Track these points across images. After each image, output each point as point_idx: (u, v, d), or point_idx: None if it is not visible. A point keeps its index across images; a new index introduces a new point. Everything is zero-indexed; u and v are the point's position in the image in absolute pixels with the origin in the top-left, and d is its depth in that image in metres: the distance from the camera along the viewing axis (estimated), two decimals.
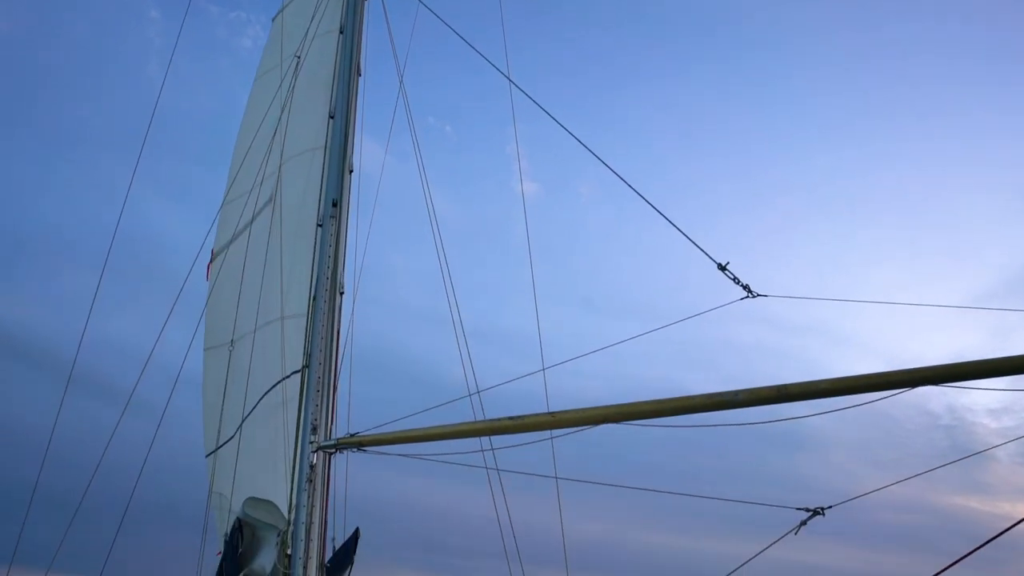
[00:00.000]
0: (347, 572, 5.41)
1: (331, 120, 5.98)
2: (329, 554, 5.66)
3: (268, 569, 4.49)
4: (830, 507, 3.93)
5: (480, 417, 4.66)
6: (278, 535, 4.58)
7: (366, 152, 6.53)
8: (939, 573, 2.96)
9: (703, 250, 4.86)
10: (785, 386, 3.93)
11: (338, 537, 5.78)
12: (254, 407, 6.21)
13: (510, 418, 4.16)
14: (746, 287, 4.53)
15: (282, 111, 6.78)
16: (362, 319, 6.17)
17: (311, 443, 4.56)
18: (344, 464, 4.85)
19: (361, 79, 6.24)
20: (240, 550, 4.76)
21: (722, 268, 4.60)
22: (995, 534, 2.88)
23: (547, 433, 4.31)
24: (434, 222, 6.15)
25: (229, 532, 4.92)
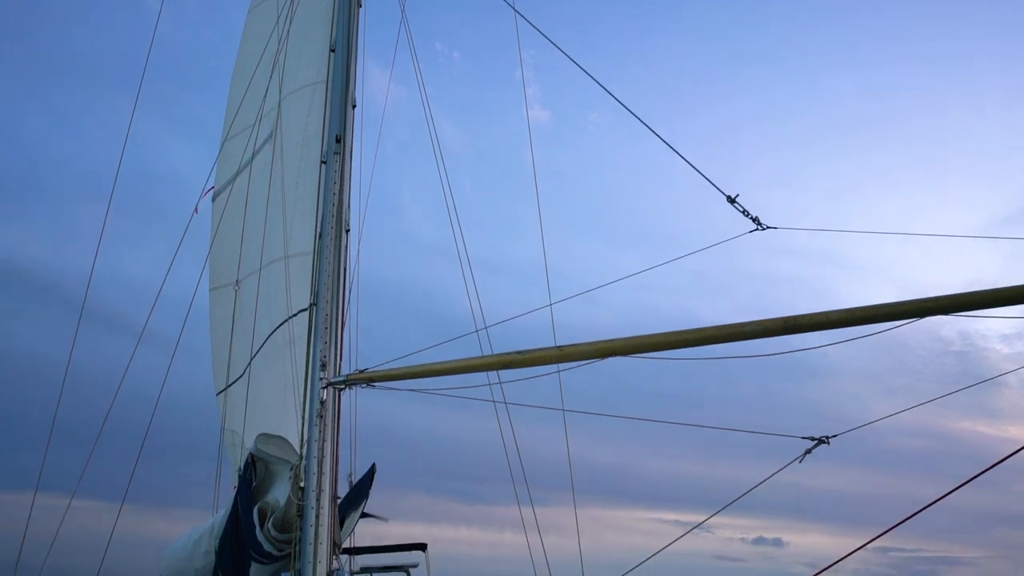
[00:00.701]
0: (362, 505, 5.56)
1: (332, 54, 5.82)
2: (347, 489, 5.81)
3: (282, 502, 4.58)
4: (835, 436, 3.97)
5: (488, 352, 4.69)
6: (291, 469, 4.66)
7: (369, 82, 6.38)
8: (945, 496, 3.00)
9: (712, 183, 4.78)
10: (793, 318, 3.92)
11: (356, 472, 5.92)
12: (262, 345, 6.26)
13: (518, 352, 4.18)
14: (756, 219, 4.47)
15: (280, 44, 6.60)
16: (369, 255, 6.15)
17: (321, 380, 4.60)
18: (355, 399, 4.91)
19: (362, 9, 6.04)
20: (254, 484, 4.85)
21: (731, 201, 4.53)
22: (1000, 458, 2.90)
23: (555, 367, 4.33)
24: (437, 151, 6.05)
25: (242, 467, 5.02)
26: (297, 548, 4.20)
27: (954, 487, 2.93)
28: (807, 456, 3.93)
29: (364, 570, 6.82)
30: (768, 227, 4.47)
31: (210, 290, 8.08)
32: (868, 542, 3.43)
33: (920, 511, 3.01)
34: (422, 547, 8.40)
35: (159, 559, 5.93)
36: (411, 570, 8.42)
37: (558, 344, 4.16)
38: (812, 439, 3.94)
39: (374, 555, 8.22)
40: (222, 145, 7.79)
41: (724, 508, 4.18)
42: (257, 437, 4.80)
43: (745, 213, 4.46)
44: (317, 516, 4.21)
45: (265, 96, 6.71)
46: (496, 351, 4.49)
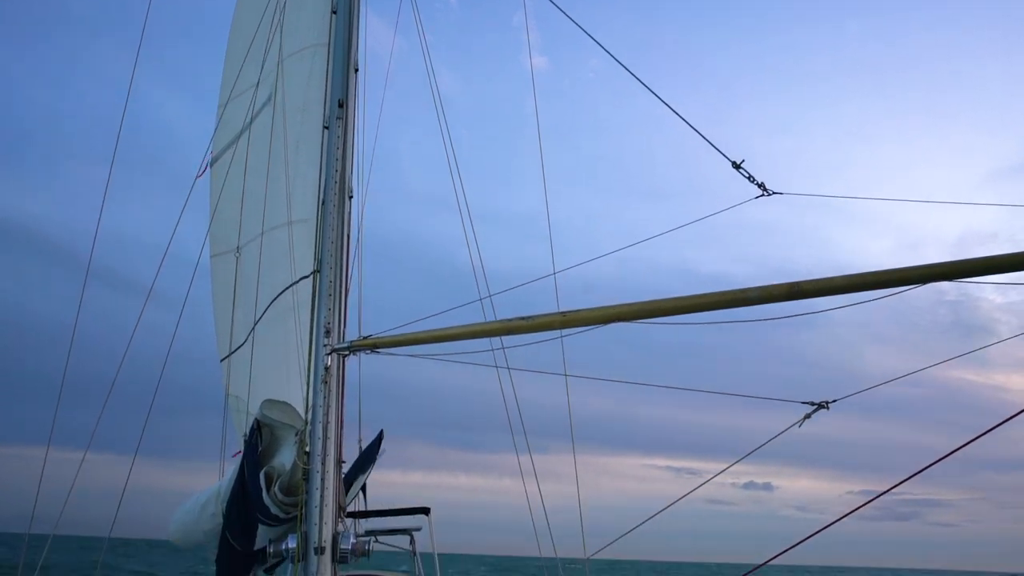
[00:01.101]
0: (368, 471, 5.63)
1: (334, 16, 5.71)
2: (357, 454, 5.88)
3: (288, 466, 4.63)
4: (834, 401, 4.00)
5: (492, 317, 4.69)
6: (296, 435, 4.70)
7: (371, 36, 6.27)
8: (955, 451, 3.02)
9: (717, 148, 4.73)
10: (798, 283, 3.91)
11: (364, 438, 5.99)
12: (264, 312, 6.27)
13: (521, 318, 4.18)
14: (761, 185, 4.43)
15: (279, 3, 6.48)
16: (372, 218, 6.13)
17: (325, 346, 4.61)
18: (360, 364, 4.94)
19: None
20: (260, 449, 4.89)
21: (736, 166, 4.49)
22: (1002, 420, 2.92)
23: (557, 333, 4.34)
24: (439, 103, 5.98)
25: (248, 433, 5.05)
26: (303, 511, 4.25)
27: (964, 442, 2.94)
28: (807, 420, 3.96)
29: (369, 533, 6.92)
30: (774, 192, 4.44)
31: (211, 257, 8.07)
32: (887, 491, 3.48)
33: (933, 464, 3.04)
34: (425, 511, 8.52)
35: (166, 524, 6.03)
36: (414, 533, 8.56)
37: (561, 310, 4.17)
38: (812, 404, 3.97)
39: (379, 519, 8.35)
40: (220, 109, 7.70)
41: (732, 465, 4.23)
42: (262, 403, 4.82)
43: (750, 179, 4.43)
44: (323, 480, 4.25)
45: (264, 58, 6.61)
46: (500, 313, 4.50)
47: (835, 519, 3.49)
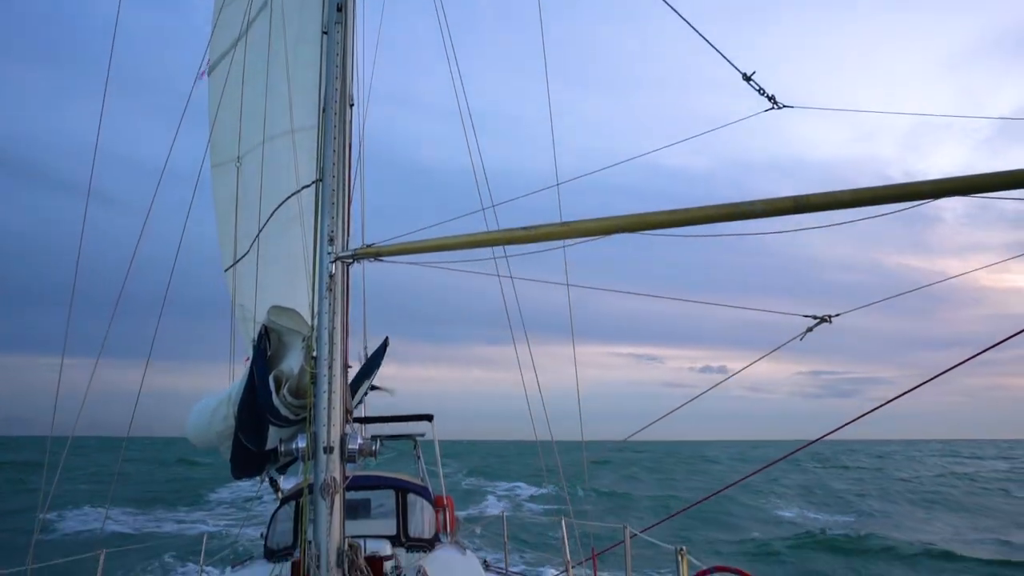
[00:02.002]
0: (373, 375, 5.79)
1: None
2: (364, 359, 6.03)
3: (296, 370, 4.75)
4: (836, 315, 4.05)
5: (494, 228, 4.69)
6: (303, 340, 4.80)
7: None
8: (954, 367, 3.09)
9: (728, 59, 4.60)
10: (804, 196, 3.89)
11: (369, 343, 6.11)
12: (267, 221, 6.27)
13: (523, 228, 4.19)
14: (771, 98, 4.34)
15: None
16: (375, 128, 6.05)
17: (329, 254, 4.63)
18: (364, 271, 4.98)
19: None
20: (268, 354, 5.01)
21: (747, 78, 4.37)
22: (997, 341, 2.97)
23: (560, 243, 4.35)
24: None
25: (256, 339, 5.16)
26: (311, 413, 4.39)
27: (965, 358, 3.00)
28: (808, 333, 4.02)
29: (374, 438, 7.20)
30: (784, 106, 4.35)
31: (211, 167, 7.99)
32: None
33: (927, 381, 3.12)
34: (428, 418, 8.82)
35: (183, 424, 6.24)
36: (418, 439, 8.89)
37: (564, 220, 4.16)
38: (814, 318, 4.02)
39: (384, 424, 8.65)
40: (216, 14, 7.45)
41: (729, 377, 4.33)
42: (270, 309, 4.90)
43: (760, 91, 4.33)
44: (329, 384, 4.37)
45: None
46: (502, 224, 4.50)
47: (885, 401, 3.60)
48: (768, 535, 23.97)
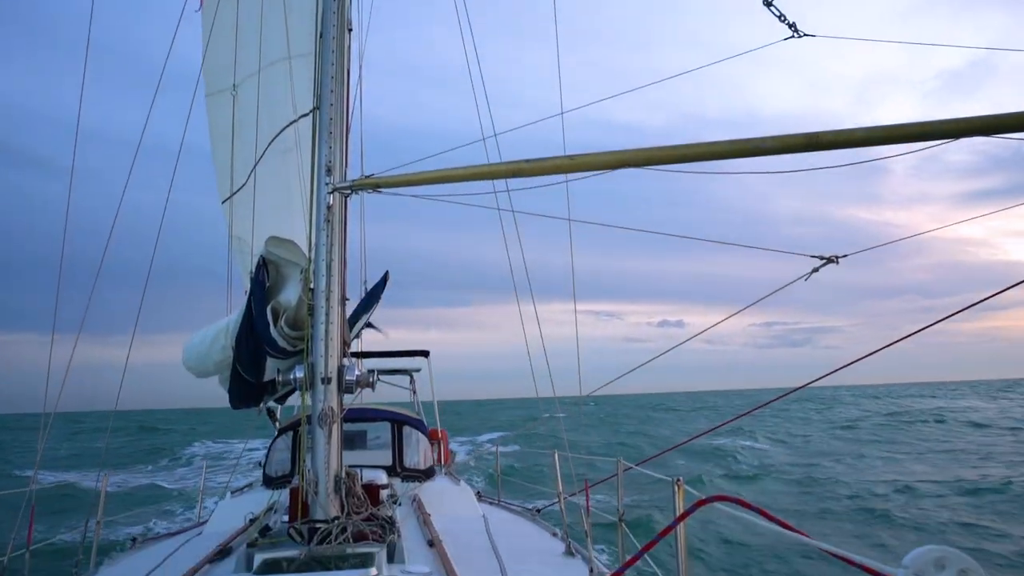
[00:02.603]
0: (373, 309, 5.75)
1: None
2: (363, 294, 5.98)
3: (294, 302, 4.71)
4: (844, 256, 3.99)
5: (497, 161, 4.58)
6: (301, 272, 4.74)
7: None
8: (940, 321, 3.05)
9: None
10: (817, 134, 3.77)
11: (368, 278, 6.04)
12: (264, 151, 6.14)
13: (527, 161, 4.08)
14: (792, 26, 4.15)
15: None
16: (374, 55, 5.84)
17: (327, 185, 4.53)
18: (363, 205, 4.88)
19: None
20: (267, 285, 4.95)
21: (768, 4, 4.19)
22: (984, 297, 2.92)
23: (563, 177, 4.25)
24: None
25: (254, 270, 5.09)
26: (309, 344, 4.37)
27: (953, 312, 2.95)
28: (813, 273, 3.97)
29: (371, 372, 7.23)
30: (805, 35, 4.17)
31: (205, 96, 7.79)
32: (729, 316, 3.54)
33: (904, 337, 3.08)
34: (424, 354, 8.86)
35: (183, 352, 6.23)
36: (414, 374, 8.95)
37: (569, 153, 4.05)
38: (821, 258, 3.97)
39: (381, 359, 8.69)
40: None
41: (729, 316, 4.30)
42: (267, 240, 4.82)
43: (781, 18, 4.14)
44: (327, 316, 4.34)
45: None
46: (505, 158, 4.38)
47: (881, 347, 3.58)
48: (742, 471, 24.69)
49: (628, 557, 2.70)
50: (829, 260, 3.97)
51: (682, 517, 1.79)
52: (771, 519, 1.59)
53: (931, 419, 46.96)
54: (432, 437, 7.81)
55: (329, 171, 4.54)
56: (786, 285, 4.06)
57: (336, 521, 4.09)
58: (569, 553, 4.79)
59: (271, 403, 6.53)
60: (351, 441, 7.26)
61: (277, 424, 7.44)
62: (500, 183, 4.48)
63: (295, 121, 5.54)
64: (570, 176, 4.22)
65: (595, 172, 4.04)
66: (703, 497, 1.72)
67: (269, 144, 6.06)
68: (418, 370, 8.54)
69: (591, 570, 4.12)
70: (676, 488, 2.29)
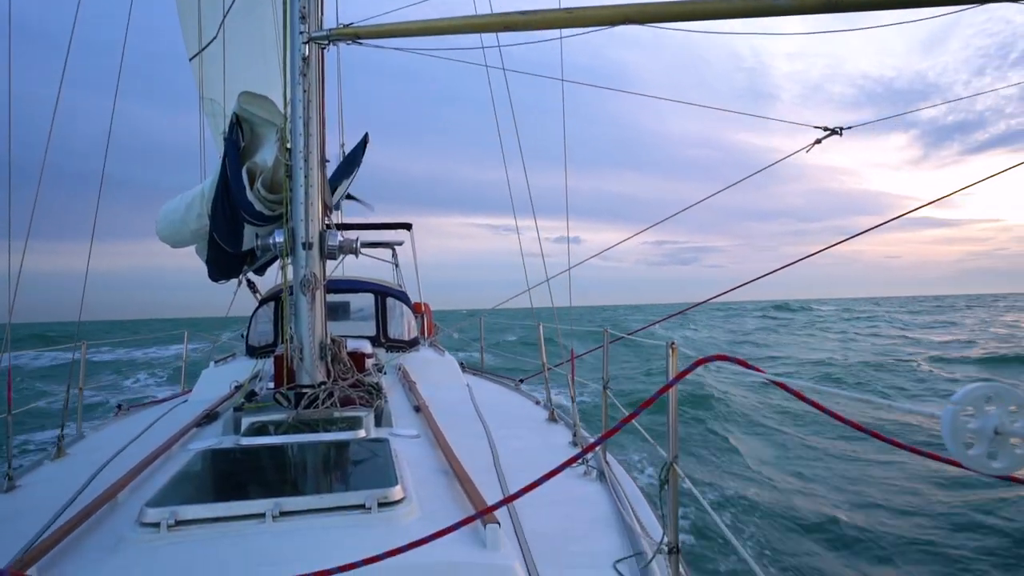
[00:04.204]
0: (354, 173, 5.51)
1: None
2: (341, 158, 5.69)
3: (270, 163, 4.47)
4: (848, 127, 3.82)
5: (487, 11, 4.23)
6: (277, 131, 4.47)
7: None
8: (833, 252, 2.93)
9: None
10: None
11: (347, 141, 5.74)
12: (234, 1, 5.65)
13: (521, 12, 3.76)
14: None
15: None
16: None
17: (301, 34, 4.18)
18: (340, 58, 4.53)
19: None
20: (241, 145, 4.68)
21: None
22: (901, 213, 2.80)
23: (556, 33, 3.95)
24: None
25: (227, 130, 4.80)
26: (288, 208, 4.19)
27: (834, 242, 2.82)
28: (814, 145, 3.81)
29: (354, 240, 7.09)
30: None
31: None
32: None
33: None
34: (407, 226, 8.70)
35: (156, 221, 6.01)
36: (396, 247, 8.83)
37: (565, 6, 3.73)
38: (825, 129, 3.79)
39: (363, 232, 8.53)
40: None
41: (746, 178, 4.16)
42: (240, 95, 4.51)
43: None
44: (307, 176, 4.13)
45: None
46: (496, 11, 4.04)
47: (785, 263, 3.51)
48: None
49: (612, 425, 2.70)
50: (832, 132, 3.80)
51: (680, 376, 1.73)
52: (772, 381, 1.53)
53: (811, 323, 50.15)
54: (416, 310, 7.81)
55: (304, 19, 4.18)
56: (790, 155, 3.90)
57: (323, 386, 4.09)
58: (552, 419, 4.89)
59: (251, 274, 6.41)
60: (334, 312, 7.23)
61: (258, 296, 7.36)
62: (490, 37, 4.16)
63: None
64: (565, 32, 3.92)
65: (593, 28, 3.74)
66: (702, 357, 1.65)
67: None
68: (400, 243, 8.41)
69: (574, 434, 4.21)
70: (670, 351, 2.24)
